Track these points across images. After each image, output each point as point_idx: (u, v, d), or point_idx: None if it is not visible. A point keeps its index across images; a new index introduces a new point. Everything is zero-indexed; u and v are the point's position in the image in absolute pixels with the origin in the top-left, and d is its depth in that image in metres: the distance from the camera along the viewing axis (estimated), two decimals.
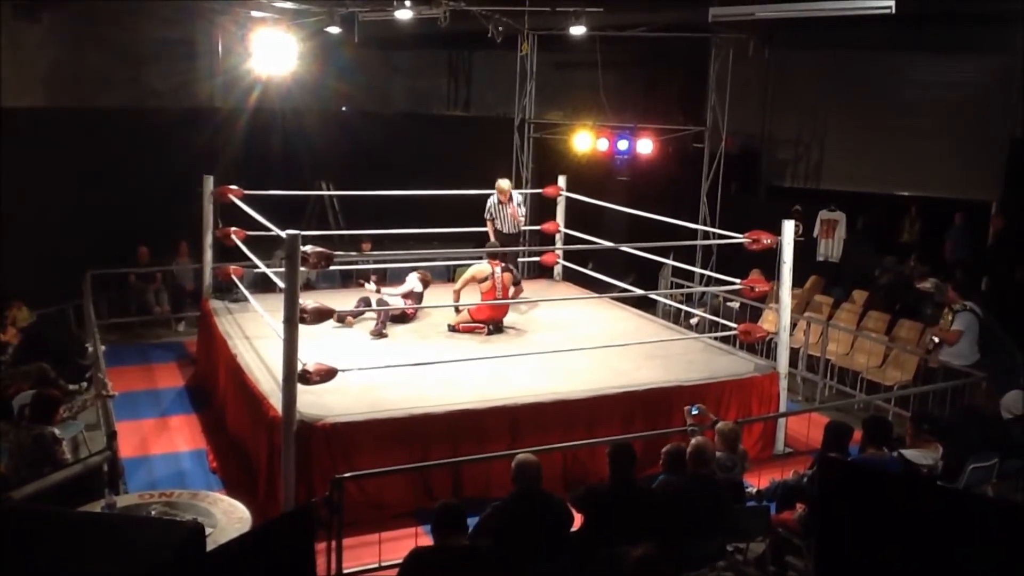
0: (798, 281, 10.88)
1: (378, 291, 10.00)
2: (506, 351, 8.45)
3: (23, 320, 9.75)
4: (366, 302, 9.51)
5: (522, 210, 10.96)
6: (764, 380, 8.47)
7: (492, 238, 10.51)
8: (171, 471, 7.75)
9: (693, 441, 5.96)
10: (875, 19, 11.03)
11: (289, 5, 11.98)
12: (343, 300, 9.54)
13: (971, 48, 14.23)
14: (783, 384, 8.57)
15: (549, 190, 11.74)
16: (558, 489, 6.39)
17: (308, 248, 6.83)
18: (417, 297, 9.68)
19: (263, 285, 10.47)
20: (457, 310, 9.40)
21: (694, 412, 7.03)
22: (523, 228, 11.21)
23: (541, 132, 14.89)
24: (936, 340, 9.75)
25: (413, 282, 9.77)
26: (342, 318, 9.11)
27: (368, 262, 11.39)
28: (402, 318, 9.53)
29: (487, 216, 10.74)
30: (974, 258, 12.97)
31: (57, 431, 6.44)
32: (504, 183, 10.65)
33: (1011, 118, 13.61)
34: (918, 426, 6.63)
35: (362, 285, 10.62)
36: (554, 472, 7.03)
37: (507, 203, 10.61)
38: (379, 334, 9.03)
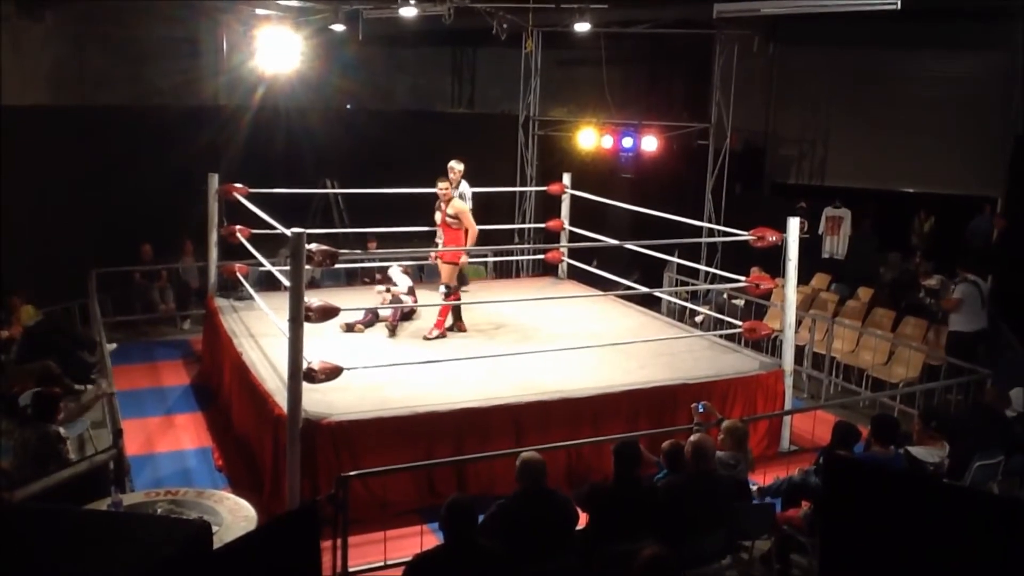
0: (803, 278, 10.87)
1: (388, 290, 9.97)
2: (510, 349, 8.45)
3: (28, 318, 9.77)
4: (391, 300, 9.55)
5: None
6: (769, 377, 8.46)
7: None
8: (177, 469, 7.77)
9: (692, 438, 5.93)
10: (879, 15, 11.01)
11: (293, 3, 12.00)
12: (348, 298, 9.54)
13: (976, 44, 14.20)
14: (788, 381, 8.56)
15: (553, 188, 11.72)
16: (562, 487, 6.39)
17: (313, 246, 6.84)
18: (412, 289, 9.74)
19: (268, 283, 10.49)
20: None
21: (700, 409, 7.03)
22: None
23: (545, 129, 14.89)
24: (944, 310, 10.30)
25: (407, 278, 9.80)
26: (351, 326, 9.12)
27: (374, 260, 11.40)
28: (409, 315, 9.56)
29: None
30: (981, 253, 12.90)
31: (62, 429, 6.45)
32: (452, 163, 9.94)
33: (1015, 115, 13.57)
34: (925, 423, 6.62)
35: (386, 288, 10.12)
36: (558, 470, 7.05)
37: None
38: (394, 330, 9.11)
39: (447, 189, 9.09)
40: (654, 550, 4.22)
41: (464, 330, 9.29)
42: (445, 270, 9.14)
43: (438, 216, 9.41)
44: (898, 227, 14.35)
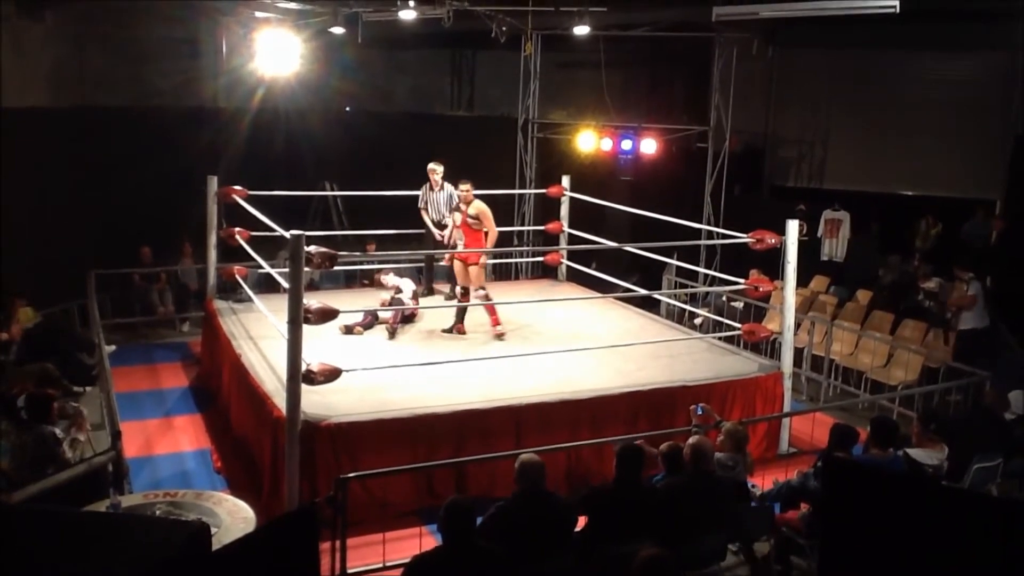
0: (802, 280, 10.88)
1: (396, 291, 9.98)
2: (510, 351, 8.45)
3: (27, 320, 9.76)
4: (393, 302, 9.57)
5: (454, 203, 9.75)
6: (768, 380, 8.46)
7: (430, 226, 10.28)
8: (175, 471, 7.76)
9: (691, 440, 5.94)
10: (879, 18, 11.02)
11: (293, 5, 11.98)
12: (347, 300, 9.54)
13: (975, 46, 14.21)
14: (787, 384, 8.56)
15: (553, 190, 11.73)
16: (562, 489, 6.39)
17: (312, 248, 6.84)
18: (415, 293, 9.76)
19: (267, 285, 10.47)
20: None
21: (699, 412, 7.03)
22: (446, 223, 10.15)
23: (545, 132, 14.89)
24: (955, 309, 10.54)
25: (410, 281, 9.82)
26: (350, 328, 9.11)
27: (373, 262, 11.39)
28: (410, 317, 9.58)
29: (420, 205, 10.44)
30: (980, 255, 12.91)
31: (58, 430, 6.45)
32: (432, 165, 10.24)
33: (1015, 116, 13.58)
34: (925, 426, 6.63)
35: (393, 288, 10.21)
36: (558, 472, 7.04)
37: (439, 190, 10.25)
38: (393, 333, 9.11)
39: (468, 190, 9.10)
40: (653, 551, 4.22)
41: (464, 332, 9.29)
42: (473, 272, 9.18)
43: (458, 217, 9.42)
44: (898, 230, 14.35)
